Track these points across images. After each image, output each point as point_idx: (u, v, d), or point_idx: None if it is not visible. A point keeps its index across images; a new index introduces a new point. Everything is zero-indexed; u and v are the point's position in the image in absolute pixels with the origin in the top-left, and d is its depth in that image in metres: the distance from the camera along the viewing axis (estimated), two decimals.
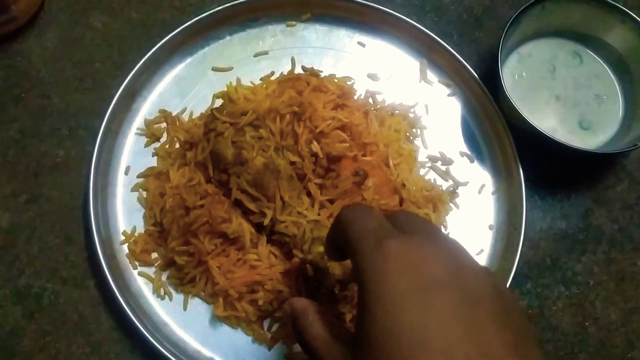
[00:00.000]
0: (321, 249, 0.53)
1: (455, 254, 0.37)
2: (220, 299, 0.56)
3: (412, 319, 0.32)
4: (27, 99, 0.63)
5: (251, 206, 0.55)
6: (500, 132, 0.64)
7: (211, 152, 0.57)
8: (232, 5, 0.66)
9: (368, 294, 0.34)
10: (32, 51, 0.65)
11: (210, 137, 0.57)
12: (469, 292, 0.34)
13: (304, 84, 0.62)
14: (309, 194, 0.57)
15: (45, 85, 0.64)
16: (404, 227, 0.39)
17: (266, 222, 0.55)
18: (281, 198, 0.55)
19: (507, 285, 0.58)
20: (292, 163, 0.57)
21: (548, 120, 0.65)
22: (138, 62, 0.63)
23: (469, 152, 0.65)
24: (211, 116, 0.58)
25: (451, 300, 0.33)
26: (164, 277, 0.58)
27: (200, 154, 0.57)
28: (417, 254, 0.35)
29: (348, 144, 0.58)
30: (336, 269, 0.53)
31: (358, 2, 0.67)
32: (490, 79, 0.65)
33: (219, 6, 0.67)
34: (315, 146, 0.57)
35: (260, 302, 0.55)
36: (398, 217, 0.41)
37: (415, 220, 0.41)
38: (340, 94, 0.61)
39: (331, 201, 0.56)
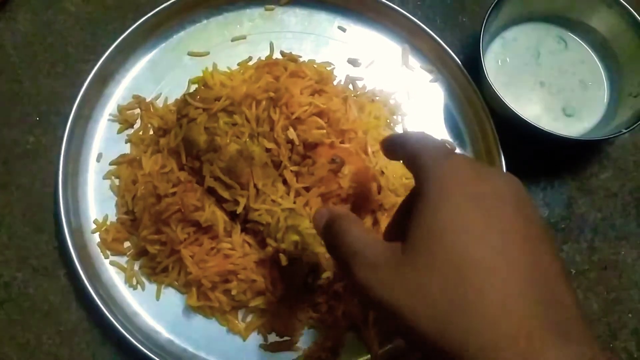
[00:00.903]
0: (295, 237, 0.52)
1: (515, 182, 0.38)
2: (194, 289, 0.55)
3: (473, 220, 0.33)
4: None
5: (224, 194, 0.54)
6: (483, 119, 0.63)
7: (184, 139, 0.55)
8: None
9: (433, 199, 0.35)
10: (2, 35, 0.64)
11: (183, 123, 0.56)
12: (525, 213, 0.35)
13: (282, 70, 0.61)
14: (284, 182, 0.56)
15: (16, 69, 0.63)
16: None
17: (239, 210, 0.54)
18: (255, 186, 0.54)
19: None
20: (268, 150, 0.56)
21: (532, 106, 0.64)
22: (111, 46, 0.61)
23: (450, 140, 0.64)
24: (184, 101, 0.57)
25: (510, 213, 0.34)
26: (136, 267, 0.57)
27: (173, 140, 0.56)
28: (482, 169, 0.37)
29: (325, 131, 0.57)
30: (312, 257, 0.52)
31: None
32: (473, 65, 0.63)
33: None
34: (291, 133, 0.56)
35: (234, 292, 0.54)
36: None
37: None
38: (318, 79, 0.60)
39: (307, 189, 0.55)
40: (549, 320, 0.31)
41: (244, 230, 0.55)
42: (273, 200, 0.54)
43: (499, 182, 0.36)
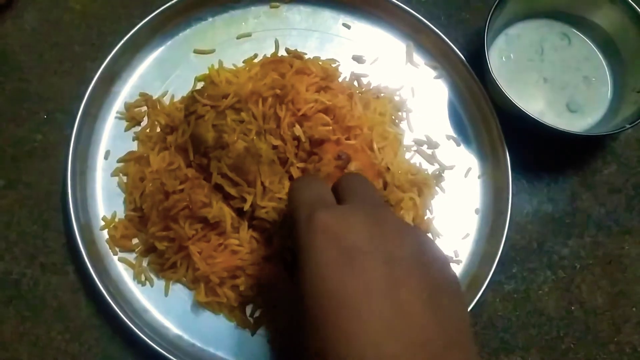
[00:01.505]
0: None
1: (381, 220, 0.39)
2: (202, 285, 0.56)
3: (336, 281, 0.35)
4: (5, 83, 0.62)
5: (231, 191, 0.54)
6: (487, 115, 0.64)
7: (191, 136, 0.56)
8: None
9: (300, 261, 0.38)
10: (9, 34, 0.64)
11: (191, 120, 0.56)
12: (390, 255, 0.36)
13: (287, 67, 0.62)
14: (291, 178, 0.57)
15: (23, 68, 0.63)
16: (344, 193, 0.43)
17: (246, 207, 0.54)
18: (262, 183, 0.54)
19: (492, 270, 0.57)
20: (274, 147, 0.56)
21: (536, 102, 0.64)
22: (117, 44, 0.62)
23: (455, 136, 0.65)
24: (192, 99, 0.57)
25: (373, 263, 0.36)
26: (144, 263, 0.58)
27: (181, 137, 0.56)
28: (343, 224, 0.38)
29: (331, 127, 0.57)
30: None
31: None
32: (478, 61, 0.64)
33: None
34: (297, 129, 0.56)
35: (242, 288, 0.55)
36: (340, 183, 0.45)
37: (354, 184, 0.45)
38: (323, 76, 0.61)
39: None
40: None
41: (251, 226, 0.56)
42: (279, 198, 0.54)
43: (361, 234, 0.38)
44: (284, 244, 0.53)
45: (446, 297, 0.36)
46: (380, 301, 0.34)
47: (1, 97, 0.62)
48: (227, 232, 0.55)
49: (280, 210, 0.54)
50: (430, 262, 0.38)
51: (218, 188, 0.55)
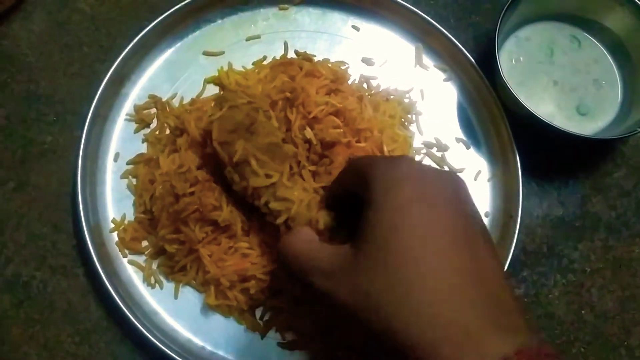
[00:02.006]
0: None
1: (457, 184, 0.41)
2: (212, 288, 0.55)
3: (417, 217, 0.36)
4: (13, 84, 0.62)
5: (258, 169, 0.51)
6: (497, 118, 0.63)
7: (222, 116, 0.53)
8: None
9: (378, 200, 0.37)
10: (18, 35, 0.64)
11: (225, 106, 0.53)
12: (466, 213, 0.38)
13: (297, 69, 0.62)
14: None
15: (32, 69, 0.63)
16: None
17: (274, 179, 0.51)
18: (290, 167, 0.53)
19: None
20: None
21: (545, 105, 0.64)
22: (126, 46, 0.62)
23: (465, 139, 0.64)
24: (220, 98, 0.55)
25: (453, 213, 0.37)
26: (154, 266, 0.58)
27: (207, 123, 0.54)
28: (427, 171, 0.39)
29: (342, 130, 0.57)
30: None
31: None
32: (487, 64, 0.64)
33: None
34: (308, 132, 0.56)
35: (252, 291, 0.54)
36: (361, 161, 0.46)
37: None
38: (333, 78, 0.61)
39: (324, 188, 0.56)
40: (486, 315, 0.34)
41: (261, 229, 0.55)
42: (304, 189, 0.52)
43: (441, 182, 0.39)
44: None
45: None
46: (463, 251, 0.36)
47: (10, 98, 0.62)
48: (237, 235, 0.55)
49: (302, 193, 0.51)
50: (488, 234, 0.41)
51: (237, 170, 0.52)
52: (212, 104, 0.56)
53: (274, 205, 0.50)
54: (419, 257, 0.35)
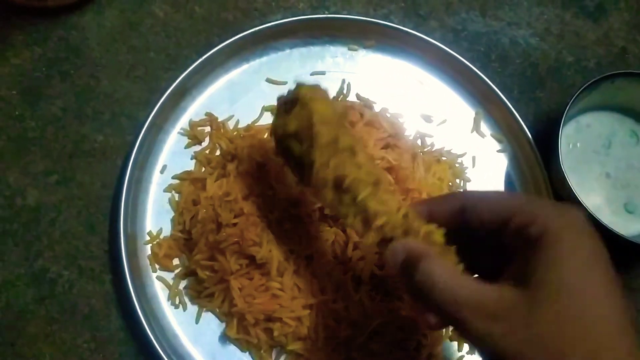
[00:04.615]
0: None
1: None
2: (235, 320, 0.53)
3: (597, 278, 0.34)
4: (75, 77, 0.60)
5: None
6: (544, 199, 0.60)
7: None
8: (298, 19, 0.62)
9: (561, 249, 0.35)
10: (88, 27, 0.61)
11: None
12: (607, 258, 0.36)
13: (357, 115, 0.59)
14: (343, 232, 0.54)
15: (95, 65, 0.60)
16: None
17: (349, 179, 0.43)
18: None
19: None
20: None
21: (594, 196, 0.61)
22: (193, 59, 0.59)
23: None
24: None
25: (609, 268, 0.36)
26: (181, 286, 0.55)
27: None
28: (588, 226, 0.37)
29: (393, 188, 0.54)
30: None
31: (425, 38, 0.63)
32: (544, 143, 0.61)
33: (283, 17, 0.63)
34: None
35: (276, 333, 0.52)
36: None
37: None
38: (392, 133, 0.58)
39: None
40: None
41: (296, 273, 0.53)
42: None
43: (598, 239, 0.37)
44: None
45: None
46: (618, 305, 0.34)
47: (69, 90, 0.59)
48: (271, 274, 0.52)
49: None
50: None
51: (270, 226, 0.51)
52: (245, 151, 0.54)
53: (372, 204, 0.43)
54: (602, 317, 0.34)
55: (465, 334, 0.36)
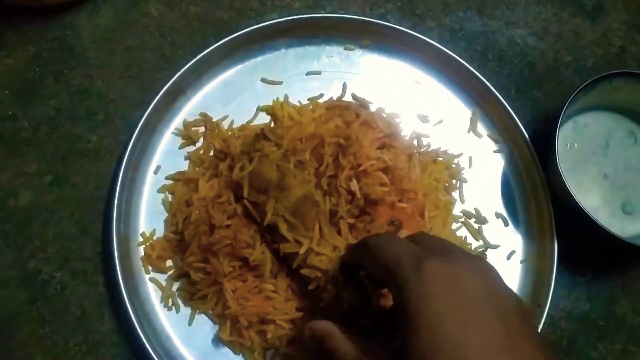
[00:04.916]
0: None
1: (487, 269, 0.39)
2: (228, 323, 0.52)
3: (454, 332, 0.34)
4: (69, 77, 0.59)
5: (287, 234, 0.49)
6: (541, 200, 0.60)
7: (252, 171, 0.51)
8: (294, 19, 0.61)
9: (412, 313, 0.35)
10: (83, 27, 0.61)
11: (255, 156, 0.52)
12: (502, 309, 0.36)
13: (353, 115, 0.58)
14: (338, 232, 0.53)
15: (90, 65, 0.60)
16: (431, 247, 0.40)
17: (302, 250, 0.49)
18: (320, 229, 0.50)
19: None
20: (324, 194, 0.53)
21: (592, 197, 0.60)
22: (188, 58, 0.58)
23: (504, 214, 0.61)
24: (259, 136, 0.53)
25: (488, 315, 0.35)
26: (174, 287, 0.54)
27: (239, 172, 0.52)
28: (454, 272, 0.37)
29: (387, 189, 0.53)
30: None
31: (422, 38, 0.62)
32: (541, 142, 0.60)
33: (279, 16, 0.62)
34: (354, 185, 0.52)
35: (269, 335, 0.51)
36: (418, 238, 0.43)
37: (436, 240, 0.44)
38: (388, 133, 0.57)
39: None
40: None
41: (290, 274, 0.52)
42: (335, 247, 0.50)
43: (473, 283, 0.36)
44: (340, 295, 0.48)
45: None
46: (503, 354, 0.33)
47: (63, 90, 0.59)
48: (265, 276, 0.51)
49: (331, 261, 0.49)
50: (529, 314, 0.40)
51: (269, 230, 0.51)
52: (239, 149, 0.54)
53: (305, 272, 0.49)
54: None
55: None
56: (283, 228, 0.50)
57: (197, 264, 0.52)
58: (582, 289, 0.60)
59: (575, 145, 0.62)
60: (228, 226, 0.51)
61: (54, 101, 0.58)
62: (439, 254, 0.38)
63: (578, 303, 0.59)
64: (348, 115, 0.58)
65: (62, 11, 0.60)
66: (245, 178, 0.51)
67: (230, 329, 0.52)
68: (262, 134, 0.53)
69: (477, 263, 0.39)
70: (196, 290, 0.53)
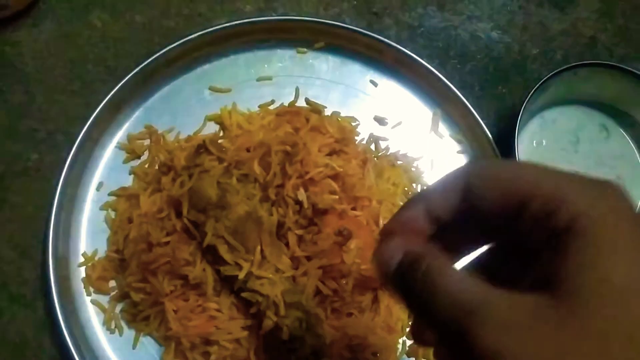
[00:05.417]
0: (299, 314, 0.46)
1: None
2: (172, 344, 0.49)
3: None
4: (8, 94, 0.56)
5: (227, 256, 0.47)
6: None
7: (191, 189, 0.49)
8: (242, 22, 0.58)
9: (603, 241, 0.25)
10: (22, 42, 0.58)
11: (194, 172, 0.49)
12: None
13: (303, 121, 0.55)
14: (286, 245, 0.50)
15: (30, 81, 0.57)
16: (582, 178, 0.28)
17: (241, 275, 0.46)
18: (262, 252, 0.47)
19: None
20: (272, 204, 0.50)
21: None
22: (132, 69, 0.56)
23: None
24: (198, 148, 0.50)
25: None
26: (117, 309, 0.51)
27: (178, 188, 0.49)
28: (633, 211, 0.27)
29: (337, 197, 0.50)
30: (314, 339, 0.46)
31: (377, 37, 0.59)
32: (507, 142, 0.56)
33: (228, 21, 0.59)
34: (301, 194, 0.49)
35: (213, 357, 0.48)
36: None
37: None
38: (339, 138, 0.54)
39: (308, 258, 0.49)
40: None
41: (233, 293, 0.49)
42: (277, 269, 0.47)
43: None
44: (279, 323, 0.46)
45: None
46: None
47: (2, 108, 0.56)
48: (207, 294, 0.48)
49: (274, 284, 0.47)
50: None
51: (208, 250, 0.48)
52: (183, 162, 0.50)
53: (245, 295, 0.46)
54: None
55: (469, 350, 0.26)
56: (223, 250, 0.47)
57: (137, 284, 0.49)
58: None
59: (544, 142, 0.59)
60: (167, 243, 0.48)
61: None
62: (617, 186, 0.27)
63: None
64: (297, 121, 0.55)
65: (1, 27, 0.58)
66: (184, 196, 0.48)
67: (175, 351, 0.49)
68: (203, 146, 0.50)
69: None
70: (138, 312, 0.50)
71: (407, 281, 0.29)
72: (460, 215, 0.30)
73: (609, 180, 0.27)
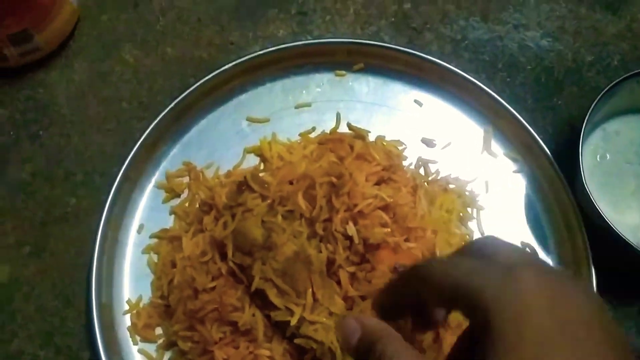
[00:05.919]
0: None
1: (591, 292, 0.34)
2: None
3: (562, 348, 0.27)
4: (44, 137, 0.55)
5: (276, 301, 0.44)
6: (572, 224, 0.52)
7: (235, 230, 0.46)
8: (277, 49, 0.56)
9: (508, 331, 0.28)
10: (56, 83, 0.57)
11: (237, 212, 0.46)
12: (613, 337, 0.29)
13: (347, 149, 0.52)
14: (338, 282, 0.46)
15: (65, 122, 0.56)
16: (509, 258, 0.32)
17: (293, 321, 0.44)
18: (313, 294, 0.44)
19: None
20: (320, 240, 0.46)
21: (631, 214, 0.52)
22: (167, 104, 0.54)
23: (532, 243, 0.53)
24: (240, 185, 0.48)
25: (600, 340, 0.28)
26: (166, 358, 0.49)
27: (222, 230, 0.47)
28: (555, 286, 0.30)
29: (389, 229, 0.47)
30: None
31: (418, 54, 0.56)
32: (567, 157, 0.52)
33: (262, 49, 0.57)
34: (350, 229, 0.46)
35: None
36: (476, 247, 0.34)
37: (505, 246, 0.34)
38: (386, 165, 0.50)
39: (363, 297, 0.46)
40: None
41: (286, 339, 0.46)
42: (331, 313, 0.44)
43: (582, 304, 0.29)
44: None
45: None
46: None
47: (39, 153, 0.55)
48: (258, 340, 0.45)
49: (329, 329, 0.43)
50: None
51: (257, 294, 0.45)
52: (224, 200, 0.47)
53: (299, 341, 0.43)
54: None
55: None
56: (272, 294, 0.44)
57: (184, 332, 0.46)
58: (631, 322, 0.51)
59: (607, 156, 0.54)
60: (213, 288, 0.45)
61: (29, 165, 0.54)
62: (529, 264, 0.31)
63: (629, 337, 0.51)
64: (341, 149, 0.52)
65: (34, 69, 0.57)
66: (228, 238, 0.46)
67: None
68: (244, 183, 0.48)
69: (578, 279, 0.34)
70: None
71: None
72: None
73: (520, 255, 0.32)
